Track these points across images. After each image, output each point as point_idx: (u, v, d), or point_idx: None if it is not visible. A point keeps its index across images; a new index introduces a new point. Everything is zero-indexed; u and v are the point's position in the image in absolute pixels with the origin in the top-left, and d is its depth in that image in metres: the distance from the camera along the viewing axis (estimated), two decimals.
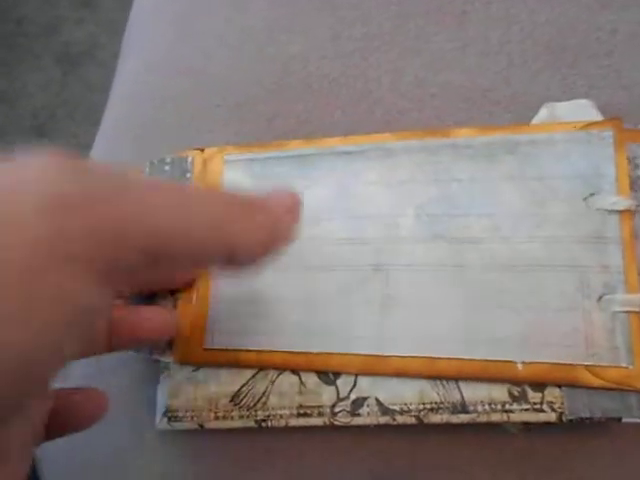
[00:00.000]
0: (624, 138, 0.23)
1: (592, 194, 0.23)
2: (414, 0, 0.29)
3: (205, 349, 0.25)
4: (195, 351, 0.25)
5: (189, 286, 0.26)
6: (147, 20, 0.37)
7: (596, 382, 0.21)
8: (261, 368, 0.25)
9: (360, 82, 0.29)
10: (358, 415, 0.23)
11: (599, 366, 0.21)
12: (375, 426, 0.23)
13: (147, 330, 0.23)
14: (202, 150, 0.28)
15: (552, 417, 0.21)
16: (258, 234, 0.17)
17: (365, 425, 0.23)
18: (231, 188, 0.27)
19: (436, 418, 0.22)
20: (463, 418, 0.22)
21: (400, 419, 0.23)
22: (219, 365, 0.25)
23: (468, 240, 0.23)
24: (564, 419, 0.21)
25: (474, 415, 0.22)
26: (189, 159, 0.28)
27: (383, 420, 0.23)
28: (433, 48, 0.28)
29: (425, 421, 0.23)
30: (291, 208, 0.20)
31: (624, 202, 0.22)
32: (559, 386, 0.21)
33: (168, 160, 0.28)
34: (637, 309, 0.21)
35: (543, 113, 0.25)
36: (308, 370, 0.24)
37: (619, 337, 0.21)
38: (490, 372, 0.22)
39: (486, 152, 0.24)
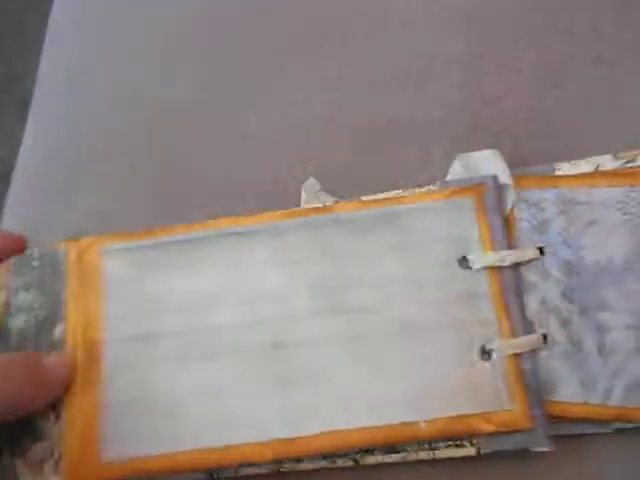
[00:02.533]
0: (518, 190, 0.25)
1: (463, 256, 0.25)
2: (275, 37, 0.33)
3: (104, 463, 0.23)
4: (90, 466, 0.23)
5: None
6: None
7: (489, 428, 0.23)
8: (173, 473, 0.23)
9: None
10: (301, 461, 0.24)
11: (488, 413, 0.23)
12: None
13: None
14: (77, 240, 0.26)
15: (472, 451, 0.23)
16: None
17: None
18: (113, 281, 0.25)
19: (371, 460, 0.24)
20: (395, 458, 0.24)
21: (340, 462, 0.24)
22: (124, 478, 0.23)
23: (362, 310, 0.25)
24: (482, 452, 0.23)
25: (404, 454, 0.24)
26: (61, 252, 0.26)
27: (325, 464, 0.24)
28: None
29: (361, 463, 0.24)
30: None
31: (488, 260, 0.25)
32: (462, 438, 0.23)
33: (36, 255, 0.26)
34: (511, 352, 0.24)
35: (457, 165, 0.27)
36: (223, 465, 0.23)
37: (500, 382, 0.24)
38: (398, 436, 0.23)
39: (367, 226, 0.26)
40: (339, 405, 0.23)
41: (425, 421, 0.23)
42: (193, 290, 0.25)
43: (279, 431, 0.23)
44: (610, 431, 0.23)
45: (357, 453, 0.24)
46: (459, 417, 0.23)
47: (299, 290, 0.25)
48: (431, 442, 0.24)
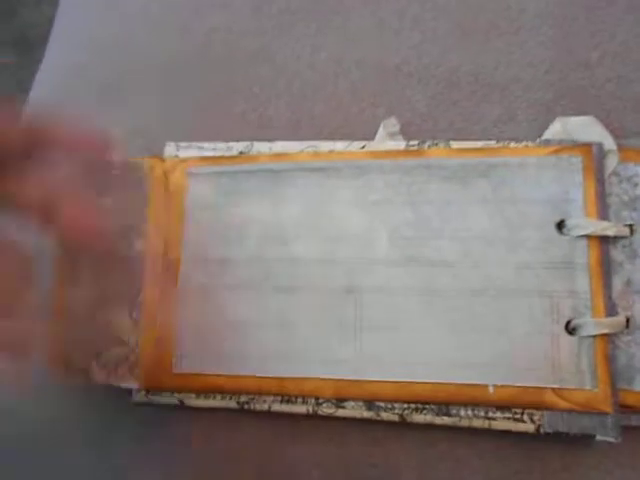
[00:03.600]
0: (622, 160, 0.23)
1: (562, 220, 0.23)
2: None
3: (175, 374, 0.24)
4: (163, 376, 0.24)
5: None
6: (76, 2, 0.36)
7: (563, 405, 0.22)
8: (232, 393, 0.24)
9: (279, 57, 0.30)
10: (343, 407, 0.23)
11: (566, 389, 0.22)
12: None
13: None
14: (162, 160, 0.27)
15: (530, 428, 0.22)
16: None
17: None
18: (195, 205, 0.26)
19: (419, 418, 0.23)
20: (446, 421, 0.23)
21: (384, 416, 0.23)
22: (189, 390, 0.24)
23: (441, 264, 0.23)
24: (542, 431, 0.22)
25: (456, 419, 0.23)
26: (144, 167, 0.26)
27: (367, 415, 0.23)
28: (349, 25, 0.30)
29: (408, 420, 0.23)
30: None
31: (591, 227, 0.23)
32: (529, 408, 0.22)
33: (115, 163, 0.26)
34: (602, 332, 0.22)
35: (556, 127, 0.25)
36: (281, 395, 0.24)
37: (584, 361, 0.22)
38: (463, 395, 0.22)
39: (460, 174, 0.24)
40: (407, 357, 0.23)
41: (495, 386, 0.22)
42: (273, 221, 0.25)
43: (342, 372, 0.23)
44: None
45: (405, 409, 0.23)
46: (532, 388, 0.22)
47: (378, 235, 0.24)
48: (488, 411, 0.23)
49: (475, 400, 0.22)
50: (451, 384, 0.22)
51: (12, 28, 1.02)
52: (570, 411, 0.22)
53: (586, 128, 0.24)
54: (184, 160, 0.26)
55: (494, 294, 0.23)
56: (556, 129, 0.25)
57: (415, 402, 0.23)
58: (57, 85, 0.34)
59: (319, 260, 0.24)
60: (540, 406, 0.22)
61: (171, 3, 0.33)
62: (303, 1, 0.30)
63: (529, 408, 0.22)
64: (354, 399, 0.23)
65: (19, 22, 1.02)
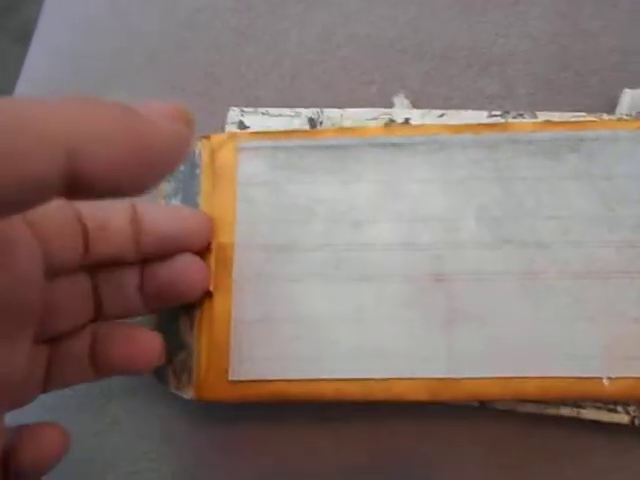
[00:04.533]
0: None
1: None
2: None
3: (231, 382, 0.20)
4: (217, 385, 0.20)
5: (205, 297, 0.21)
6: None
7: None
8: (307, 401, 0.20)
9: (267, 35, 0.28)
10: None
11: None
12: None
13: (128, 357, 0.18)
14: (208, 138, 0.23)
15: (624, 419, 0.20)
16: (115, 135, 0.12)
17: None
18: (249, 182, 0.22)
19: (500, 404, 0.21)
20: (529, 408, 0.21)
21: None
22: (250, 401, 0.20)
23: (536, 245, 0.21)
24: (636, 423, 0.20)
25: (542, 406, 0.21)
26: (197, 152, 0.23)
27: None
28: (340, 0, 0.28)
29: (488, 406, 0.21)
30: (175, 114, 0.14)
31: None
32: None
33: None
34: None
35: (626, 99, 0.23)
36: (365, 401, 0.20)
37: None
38: (575, 391, 0.20)
39: (549, 149, 0.22)
40: (508, 350, 0.20)
41: (609, 378, 0.20)
42: (343, 201, 0.22)
43: (436, 370, 0.20)
44: None
45: None
46: None
47: (465, 216, 0.21)
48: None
49: (588, 395, 0.20)
50: (560, 379, 0.20)
51: (14, 23, 0.99)
52: None
53: None
54: (232, 136, 0.23)
55: (598, 276, 0.21)
56: (627, 102, 0.24)
57: (520, 401, 0.20)
58: (49, 66, 0.31)
59: (399, 245, 0.21)
60: None
61: None
62: None
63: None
64: (451, 401, 0.20)
65: (21, 17, 0.99)
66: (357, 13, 0.28)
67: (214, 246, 0.21)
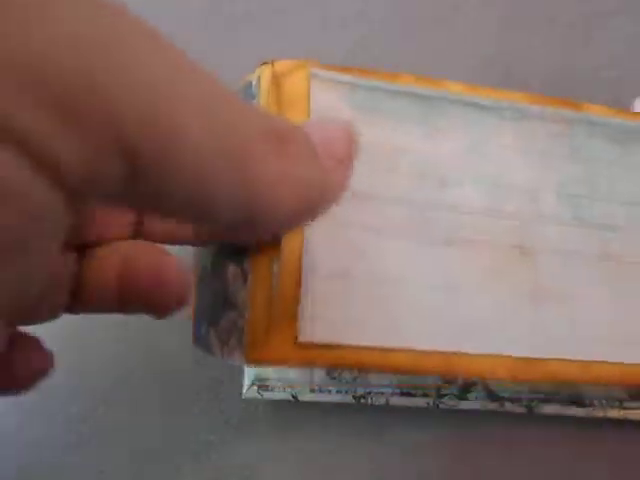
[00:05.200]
0: None
1: None
2: None
3: (299, 343, 0.17)
4: (282, 346, 0.17)
5: (262, 246, 0.17)
6: None
7: None
8: (382, 370, 0.17)
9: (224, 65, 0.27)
10: (466, 399, 0.22)
11: None
12: None
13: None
14: (270, 63, 0.19)
15: None
16: (297, 189, 0.12)
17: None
18: (326, 115, 0.19)
19: (548, 409, 0.22)
20: (578, 411, 0.22)
21: (509, 407, 0.22)
22: (320, 366, 0.17)
23: (611, 228, 0.21)
24: None
25: (589, 409, 0.21)
26: (253, 82, 0.19)
27: (492, 407, 0.22)
28: (292, 25, 0.29)
29: (536, 411, 0.22)
30: (347, 155, 0.14)
31: None
32: None
33: (240, 87, 0.19)
34: None
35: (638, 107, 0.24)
36: (444, 375, 0.18)
37: None
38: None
39: (624, 136, 0.22)
40: (589, 333, 0.19)
41: None
42: (429, 155, 0.19)
43: (522, 350, 0.18)
44: None
45: (533, 400, 0.22)
46: None
47: (547, 188, 0.20)
48: (622, 400, 0.21)
49: None
50: (638, 365, 0.19)
51: None
52: None
53: None
54: (304, 62, 0.19)
55: None
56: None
57: (598, 384, 0.19)
58: None
59: (485, 210, 0.19)
60: None
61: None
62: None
63: None
64: (531, 380, 0.19)
65: None
66: (309, 37, 0.29)
67: None
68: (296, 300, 0.17)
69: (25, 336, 0.14)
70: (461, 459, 0.23)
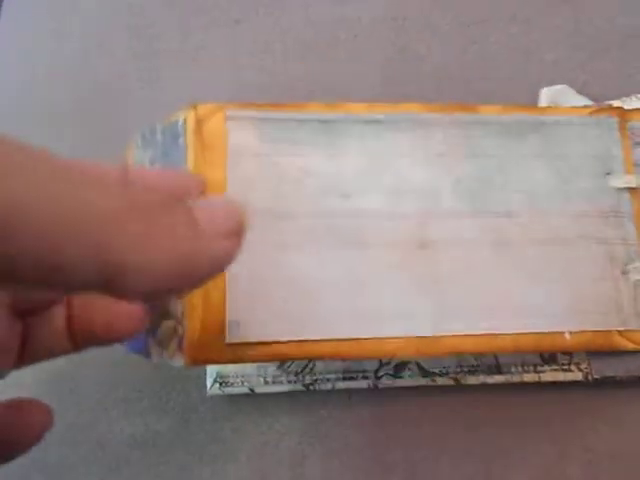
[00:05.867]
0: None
1: (607, 173, 0.24)
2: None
3: (228, 344, 0.21)
4: (214, 348, 0.21)
5: None
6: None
7: (630, 346, 0.22)
8: (304, 359, 0.21)
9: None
10: (400, 378, 0.25)
11: (630, 331, 0.23)
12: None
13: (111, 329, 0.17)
14: (194, 107, 0.23)
15: (579, 376, 0.23)
16: (166, 254, 0.11)
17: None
18: (239, 153, 0.23)
19: (472, 379, 0.25)
20: (498, 379, 0.24)
21: (440, 381, 0.25)
22: (247, 361, 0.21)
23: (506, 215, 0.23)
24: (590, 378, 0.23)
25: (508, 376, 0.24)
26: (179, 122, 0.23)
27: (423, 382, 0.25)
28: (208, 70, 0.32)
29: (462, 382, 0.25)
30: (233, 229, 0.14)
31: (633, 181, 0.24)
32: (600, 351, 0.23)
33: (159, 128, 0.23)
34: None
35: (543, 98, 0.27)
36: (360, 358, 0.21)
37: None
38: (543, 344, 0.22)
39: (515, 130, 0.24)
40: (485, 309, 0.22)
41: (570, 332, 0.22)
42: (332, 173, 0.23)
43: (422, 329, 0.22)
44: None
45: (459, 372, 0.25)
46: (602, 332, 0.22)
47: (444, 187, 0.23)
48: (537, 365, 0.24)
49: (554, 348, 0.22)
50: (531, 334, 0.22)
51: None
52: (636, 352, 0.23)
53: (564, 96, 0.27)
54: (221, 106, 0.23)
55: (559, 243, 0.23)
56: (544, 99, 0.27)
57: (497, 353, 0.22)
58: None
59: (386, 213, 0.23)
60: (611, 349, 0.22)
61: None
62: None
63: (600, 350, 0.23)
64: (435, 355, 0.22)
65: None
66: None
67: None
68: (223, 308, 0.21)
69: (22, 403, 0.15)
70: (396, 432, 0.25)
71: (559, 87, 0.28)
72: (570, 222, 0.23)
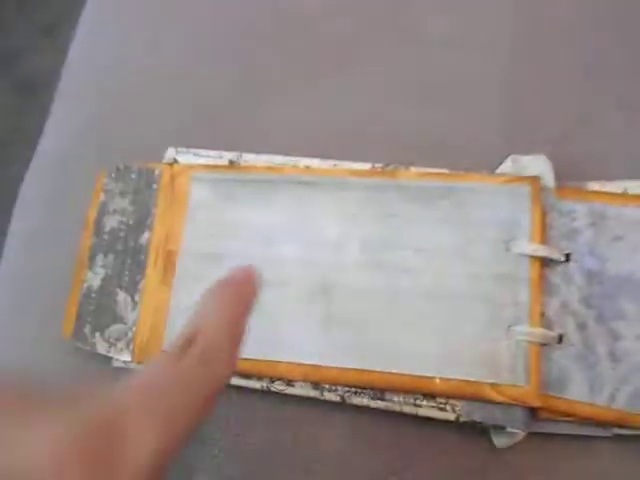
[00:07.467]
0: (560, 192, 0.27)
1: (511, 239, 0.27)
2: None
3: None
4: (157, 352, 0.28)
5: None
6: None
7: (498, 398, 0.25)
8: None
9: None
10: (292, 386, 0.27)
11: (502, 385, 0.25)
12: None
13: None
14: (171, 165, 0.30)
15: (451, 417, 0.26)
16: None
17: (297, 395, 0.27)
18: (196, 206, 0.30)
19: (357, 400, 0.27)
20: (379, 404, 0.26)
21: (327, 396, 0.27)
22: None
23: (404, 270, 0.27)
24: (460, 420, 0.26)
25: (389, 404, 0.26)
26: (157, 172, 0.30)
27: (313, 394, 0.27)
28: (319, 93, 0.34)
29: (347, 402, 0.27)
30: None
31: (533, 249, 0.26)
32: (469, 400, 0.26)
33: (134, 169, 0.31)
34: (536, 340, 0.25)
35: (508, 164, 0.28)
36: (254, 375, 0.27)
37: (520, 361, 0.25)
38: (413, 385, 0.26)
39: (425, 195, 0.28)
40: (368, 349, 0.26)
41: (440, 378, 0.25)
42: (262, 224, 0.29)
43: (310, 358, 0.27)
44: (610, 435, 0.25)
45: (346, 392, 0.27)
46: (473, 382, 0.25)
47: (352, 243, 0.28)
48: (416, 399, 0.26)
49: (422, 390, 0.26)
50: (405, 375, 0.26)
51: (13, 74, 1.06)
52: (504, 404, 0.25)
53: (535, 164, 0.28)
54: (190, 167, 0.30)
55: (445, 298, 0.26)
56: (508, 166, 0.29)
57: (372, 389, 0.26)
58: (66, 135, 0.37)
59: (300, 261, 0.28)
60: (479, 398, 0.25)
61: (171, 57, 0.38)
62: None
63: (469, 399, 0.26)
64: (318, 382, 0.27)
65: (20, 69, 1.07)
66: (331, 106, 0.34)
67: (164, 252, 0.29)
68: (164, 325, 0.28)
69: None
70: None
71: (536, 156, 0.28)
72: (463, 282, 0.27)
